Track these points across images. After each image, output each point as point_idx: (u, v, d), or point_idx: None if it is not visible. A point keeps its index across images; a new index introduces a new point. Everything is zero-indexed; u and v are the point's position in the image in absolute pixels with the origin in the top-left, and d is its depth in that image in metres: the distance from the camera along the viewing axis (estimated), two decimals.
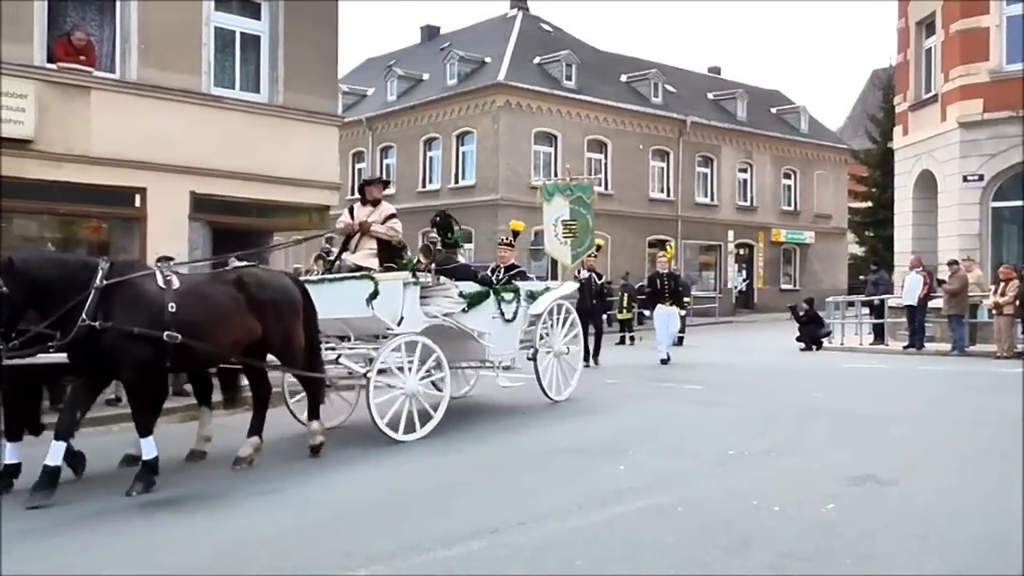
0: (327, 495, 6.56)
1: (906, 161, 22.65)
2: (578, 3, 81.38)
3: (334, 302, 8.56)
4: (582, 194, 14.92)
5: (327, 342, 8.89)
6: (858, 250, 42.09)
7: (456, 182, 32.05)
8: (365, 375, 8.30)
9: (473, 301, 9.28)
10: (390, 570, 4.77)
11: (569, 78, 32.57)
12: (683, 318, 18.93)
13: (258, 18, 14.11)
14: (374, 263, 8.88)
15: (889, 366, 15.77)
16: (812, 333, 19.61)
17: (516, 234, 12.60)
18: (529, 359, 10.27)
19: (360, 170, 36.53)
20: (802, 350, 19.19)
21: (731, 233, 37.69)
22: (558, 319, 10.81)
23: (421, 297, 8.75)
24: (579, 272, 16.00)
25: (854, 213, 42.17)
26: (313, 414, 8.08)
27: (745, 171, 38.51)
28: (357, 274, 8.75)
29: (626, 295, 23.18)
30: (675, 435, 8.72)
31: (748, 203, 38.42)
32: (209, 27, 13.36)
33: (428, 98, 33.34)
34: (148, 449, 6.72)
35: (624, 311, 23.01)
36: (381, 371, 8.38)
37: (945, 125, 20.36)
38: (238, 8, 13.96)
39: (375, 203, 9.23)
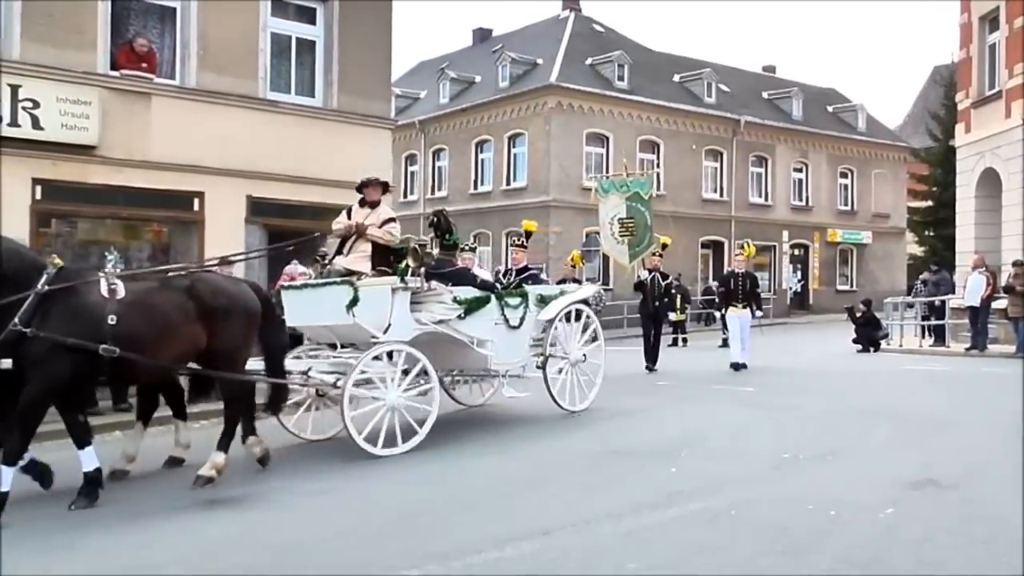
0: (382, 496, 6.62)
1: (969, 159, 22.12)
2: (631, 3, 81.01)
3: (317, 309, 8.30)
4: (639, 190, 14.49)
5: (313, 351, 8.69)
6: (917, 250, 41.18)
7: (508, 184, 32.11)
8: (334, 386, 7.86)
9: (471, 307, 8.72)
10: (443, 570, 4.80)
11: (621, 79, 32.42)
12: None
13: (313, 23, 14.33)
14: (366, 267, 8.46)
15: (950, 368, 15.40)
16: (869, 335, 19.23)
17: (529, 234, 12.32)
18: (538, 367, 9.63)
19: (413, 173, 36.84)
20: (859, 352, 18.84)
21: (786, 233, 37.16)
22: (575, 325, 10.18)
23: (412, 303, 8.26)
24: (639, 273, 15.70)
25: (914, 212, 41.26)
26: (248, 429, 7.45)
27: (800, 170, 37.94)
28: (338, 280, 8.33)
29: (679, 296, 22.99)
30: (727, 438, 8.63)
31: (803, 203, 37.85)
32: (266, 33, 13.61)
33: (480, 100, 33.46)
34: (88, 461, 6.40)
35: (677, 312, 22.84)
36: (365, 382, 7.95)
37: (1009, 122, 19.85)
38: (294, 14, 14.19)
39: (374, 205, 8.83)
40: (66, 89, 11.43)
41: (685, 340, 22.51)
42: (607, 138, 31.56)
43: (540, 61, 32.99)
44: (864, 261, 39.96)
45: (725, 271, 21.17)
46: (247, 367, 7.45)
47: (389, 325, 7.99)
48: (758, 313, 15.62)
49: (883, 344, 19.36)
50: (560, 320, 9.87)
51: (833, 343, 20.61)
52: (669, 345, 21.49)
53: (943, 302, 19.33)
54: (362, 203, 8.90)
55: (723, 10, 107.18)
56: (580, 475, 7.12)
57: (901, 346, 19.59)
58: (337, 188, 14.05)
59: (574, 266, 15.30)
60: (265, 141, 13.22)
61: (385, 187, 9.03)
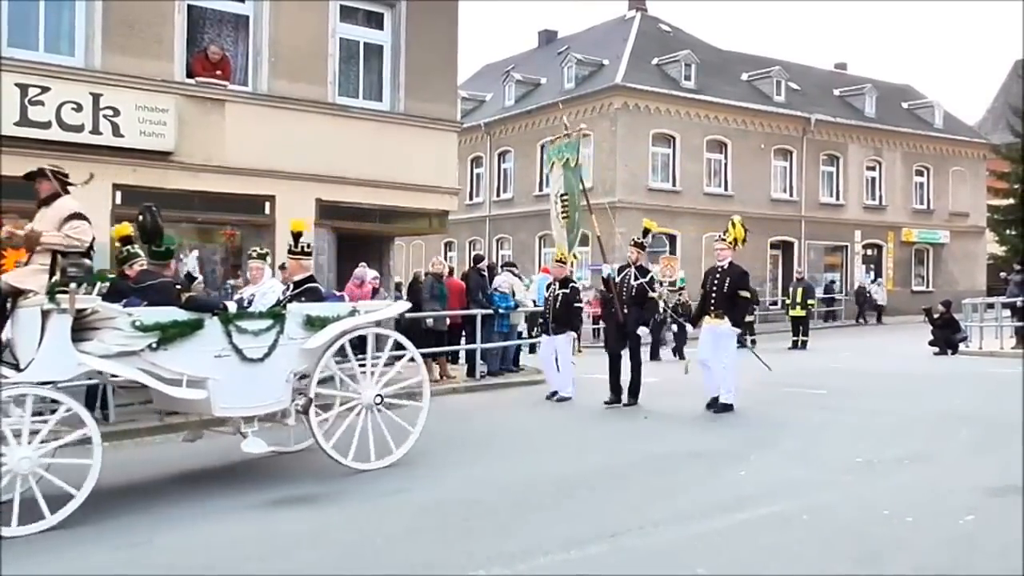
0: (452, 495, 6.66)
1: None
2: (699, 3, 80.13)
3: None
4: (568, 155, 11.70)
5: None
6: (998, 249, 39.80)
7: None
8: None
9: (169, 334, 6.53)
10: (509, 571, 4.81)
11: (688, 78, 32.09)
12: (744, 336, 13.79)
13: (381, 28, 14.52)
14: (40, 282, 6.18)
15: None
16: (947, 337, 18.66)
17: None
18: (300, 411, 7.32)
19: (478, 175, 37.03)
20: (936, 354, 18.30)
21: (858, 233, 36.32)
22: (372, 355, 7.86)
23: (79, 330, 6.28)
24: (605, 269, 11.82)
25: (994, 211, 39.88)
26: None
27: (873, 169, 37.04)
28: None
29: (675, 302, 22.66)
30: (799, 441, 8.47)
31: (876, 202, 36.94)
32: (335, 38, 13.82)
33: (545, 102, 33.48)
34: None
35: (663, 317, 22.40)
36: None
37: None
38: (362, 19, 14.39)
39: (46, 202, 6.58)
40: (144, 97, 11.79)
41: (755, 342, 22.12)
42: (674, 138, 31.29)
43: (606, 62, 32.86)
44: (941, 261, 38.83)
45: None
46: None
47: (32, 360, 6.01)
48: (741, 333, 11.15)
49: (962, 347, 18.77)
50: (345, 347, 7.58)
51: (909, 345, 20.05)
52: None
53: None
54: (39, 203, 6.66)
55: (793, 8, 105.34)
56: (647, 478, 7.07)
57: (981, 348, 18.97)
58: (404, 191, 14.25)
59: (560, 261, 12.67)
60: (334, 145, 13.43)
61: (59, 177, 6.69)
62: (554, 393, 11.92)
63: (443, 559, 5.07)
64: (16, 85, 10.81)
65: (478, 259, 15.63)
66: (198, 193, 12.31)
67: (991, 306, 20.97)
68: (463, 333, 14.76)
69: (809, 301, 21.83)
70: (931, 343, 18.81)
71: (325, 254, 13.68)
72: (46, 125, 10.98)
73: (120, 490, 6.83)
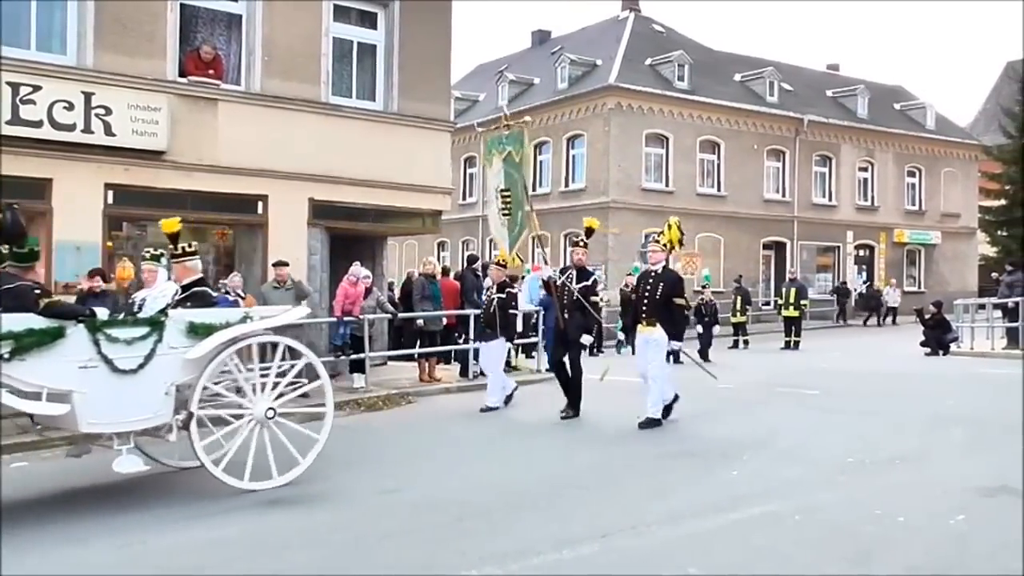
0: (444, 496, 6.66)
1: None
2: (692, 3, 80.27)
3: None
4: (511, 148, 10.90)
5: None
6: (989, 250, 39.95)
7: (566, 185, 32.05)
8: None
9: (24, 343, 5.95)
10: (502, 571, 4.81)
11: (681, 79, 32.12)
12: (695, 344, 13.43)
13: (374, 28, 14.50)
14: None
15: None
16: (938, 338, 18.71)
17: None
18: (181, 427, 6.75)
19: (472, 175, 36.99)
20: (927, 355, 18.35)
21: (850, 234, 36.41)
22: (262, 365, 7.29)
23: None
24: (544, 271, 11.15)
25: (985, 212, 40.02)
26: None
27: (866, 170, 37.14)
28: None
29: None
30: (791, 441, 8.49)
31: (869, 203, 37.04)
32: (328, 38, 13.80)
33: (539, 102, 33.47)
34: None
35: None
36: None
37: None
38: (356, 18, 14.37)
39: None
40: (137, 96, 11.76)
41: (747, 342, 22.17)
42: (667, 139, 31.31)
43: (599, 62, 32.87)
44: (933, 262, 38.95)
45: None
46: None
47: None
48: (676, 345, 9.64)
49: (953, 347, 18.83)
50: (232, 358, 6.98)
51: (900, 346, 20.12)
52: (730, 347, 21.12)
53: (1016, 303, 18.73)
54: None
55: (786, 9, 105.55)
56: (640, 478, 7.08)
57: (972, 349, 19.03)
58: (398, 191, 14.24)
59: (501, 264, 11.77)
60: (327, 145, 13.42)
61: None
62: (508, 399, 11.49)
63: (436, 559, 5.06)
64: (8, 84, 10.77)
65: (472, 259, 15.64)
66: (190, 192, 12.28)
67: (982, 307, 21.04)
68: (456, 333, 14.75)
69: (803, 302, 21.86)
70: (922, 344, 18.87)
71: (318, 253, 13.68)
72: (38, 124, 10.94)
73: (112, 491, 6.81)
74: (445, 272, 16.16)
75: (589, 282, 10.37)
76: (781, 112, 34.24)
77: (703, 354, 17.27)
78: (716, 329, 19.18)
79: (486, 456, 8.03)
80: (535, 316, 15.56)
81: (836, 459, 7.50)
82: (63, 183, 11.26)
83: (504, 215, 10.74)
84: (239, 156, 12.66)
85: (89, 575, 5.02)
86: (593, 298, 10.45)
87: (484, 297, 11.96)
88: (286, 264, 12.23)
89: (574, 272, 10.43)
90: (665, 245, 9.77)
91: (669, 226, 9.86)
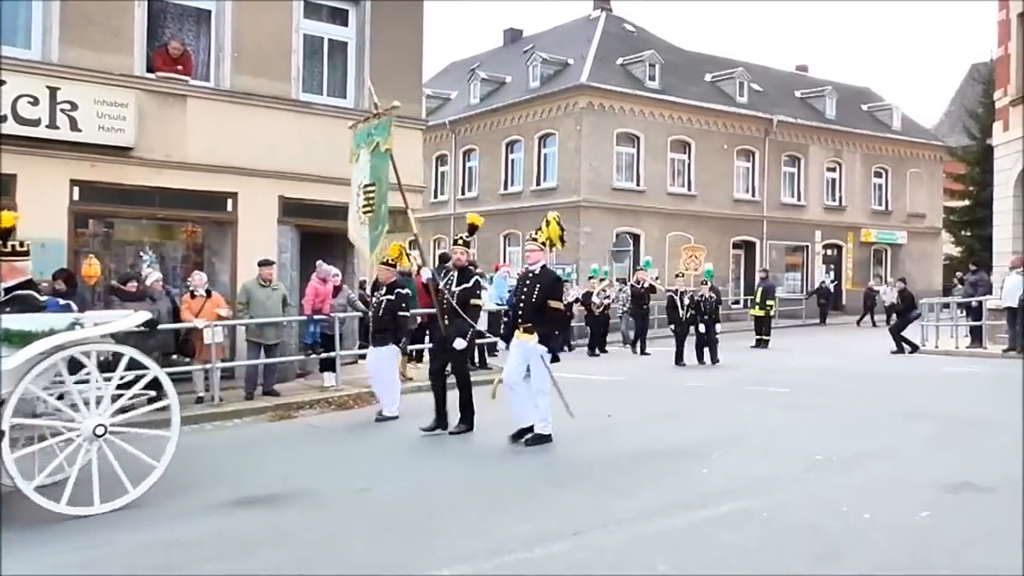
0: (415, 495, 6.64)
1: (1007, 158, 21.74)
2: (663, 3, 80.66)
3: None
4: (379, 138, 10.17)
5: None
6: (954, 250, 40.57)
7: (538, 184, 32.08)
8: None
9: None
10: (473, 570, 4.80)
11: (652, 78, 32.26)
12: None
13: (345, 24, 14.42)
14: None
15: (988, 370, 15.16)
16: (905, 316, 19.13)
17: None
18: None
19: (443, 173, 36.92)
20: (893, 352, 18.58)
21: (818, 233, 36.79)
22: (100, 375, 6.43)
23: None
24: (425, 272, 10.43)
25: (950, 212, 40.63)
26: None
27: (834, 170, 37.54)
28: None
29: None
30: (760, 439, 8.57)
31: (836, 203, 37.45)
32: (298, 34, 13.71)
33: (511, 100, 33.47)
34: None
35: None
36: None
37: None
38: (326, 15, 14.28)
39: None
40: (103, 91, 11.59)
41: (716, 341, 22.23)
42: (638, 138, 31.44)
43: (571, 61, 32.93)
44: (899, 261, 39.46)
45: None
46: None
47: None
48: (543, 350, 8.54)
49: (920, 344, 19.07)
50: (57, 368, 6.27)
51: (868, 344, 20.37)
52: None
53: (980, 303, 19.04)
54: None
55: (755, 9, 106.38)
56: (611, 476, 7.10)
57: (937, 347, 19.32)
58: None
59: (391, 263, 10.73)
60: (297, 142, 13.32)
61: None
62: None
63: (407, 558, 5.05)
64: None
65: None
66: (158, 189, 12.15)
67: (947, 306, 21.37)
68: (428, 331, 14.68)
69: (768, 302, 22.00)
70: (891, 329, 19.19)
71: (288, 251, 13.58)
72: (2, 119, 10.75)
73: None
74: (418, 271, 16.05)
75: (470, 284, 9.41)
76: (751, 112, 34.50)
77: (712, 356, 16.88)
78: (718, 327, 17.82)
79: (455, 455, 8.02)
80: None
81: (805, 456, 7.58)
82: (28, 179, 11.08)
83: (365, 212, 10.04)
84: (208, 153, 12.54)
85: (55, 575, 4.96)
86: (475, 301, 9.49)
87: (373, 299, 10.82)
88: (271, 263, 12.16)
89: (455, 274, 9.53)
90: (543, 243, 8.92)
91: (548, 222, 8.93)
